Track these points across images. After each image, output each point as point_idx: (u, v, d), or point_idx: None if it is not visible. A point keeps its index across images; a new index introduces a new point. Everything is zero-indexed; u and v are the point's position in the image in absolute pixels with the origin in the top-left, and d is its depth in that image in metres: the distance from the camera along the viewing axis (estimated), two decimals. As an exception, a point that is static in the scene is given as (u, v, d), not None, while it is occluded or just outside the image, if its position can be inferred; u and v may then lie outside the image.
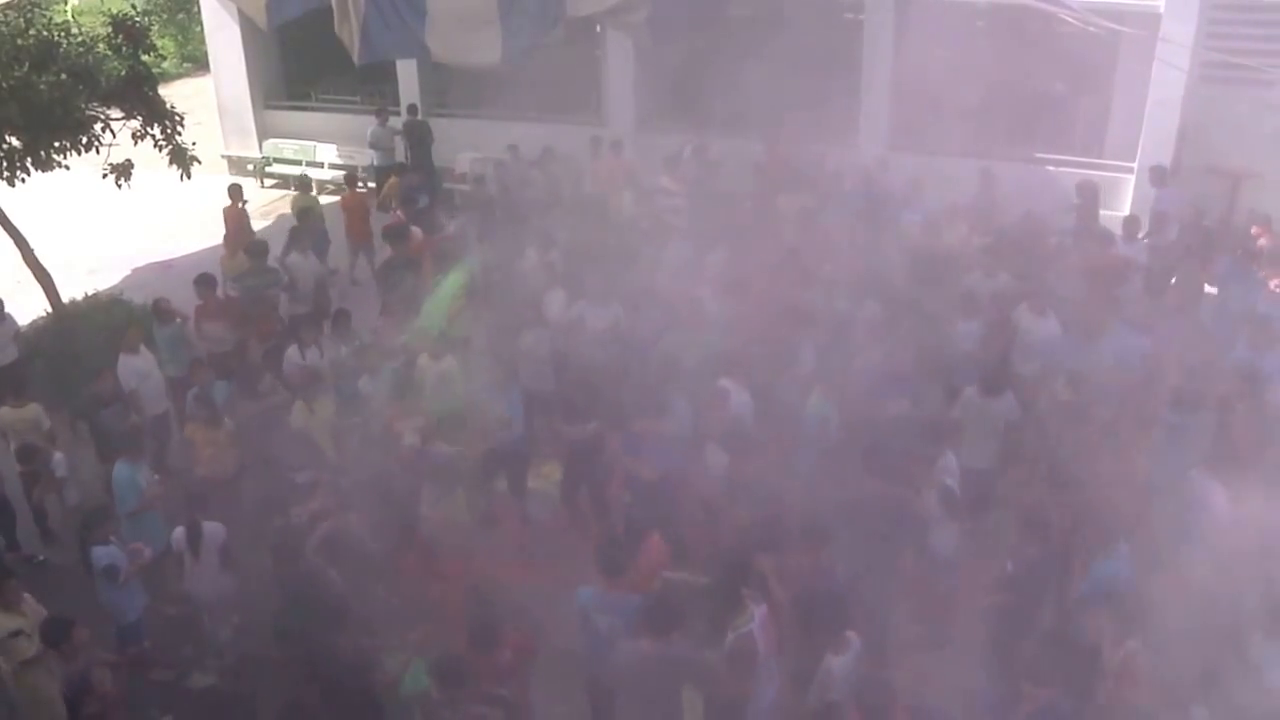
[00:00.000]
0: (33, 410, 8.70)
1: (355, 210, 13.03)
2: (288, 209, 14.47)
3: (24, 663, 6.26)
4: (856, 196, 11.82)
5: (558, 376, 9.13)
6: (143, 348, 9.25)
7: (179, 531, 7.16)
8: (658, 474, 7.42)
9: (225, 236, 12.35)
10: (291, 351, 9.11)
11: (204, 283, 10.07)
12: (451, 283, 10.01)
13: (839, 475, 7.22)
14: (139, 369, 9.04)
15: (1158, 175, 11.69)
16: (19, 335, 10.30)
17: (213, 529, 7.18)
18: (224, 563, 7.19)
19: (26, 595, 6.54)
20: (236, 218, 12.54)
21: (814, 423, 7.88)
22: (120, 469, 7.56)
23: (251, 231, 12.56)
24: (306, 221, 11.99)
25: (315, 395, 8.53)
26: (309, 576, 6.70)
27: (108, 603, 7.06)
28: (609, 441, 8.14)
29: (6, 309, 10.15)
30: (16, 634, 6.27)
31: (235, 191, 12.67)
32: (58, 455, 8.37)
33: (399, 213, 12.41)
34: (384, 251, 11.67)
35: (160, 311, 9.65)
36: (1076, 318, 8.94)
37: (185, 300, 10.17)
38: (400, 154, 15.09)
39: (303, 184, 13.49)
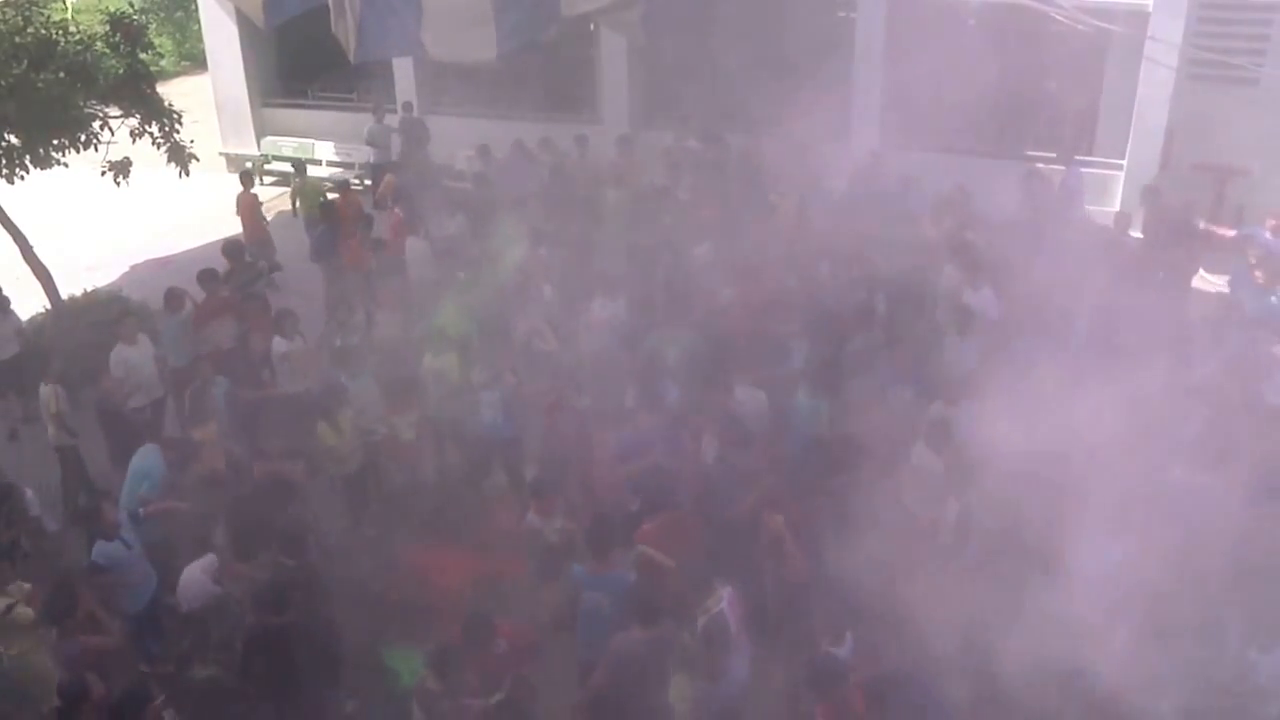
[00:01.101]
0: (46, 391, 8.78)
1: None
2: (286, 205, 14.57)
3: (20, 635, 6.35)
4: (849, 192, 11.95)
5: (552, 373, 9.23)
6: (141, 338, 9.33)
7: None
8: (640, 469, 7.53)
9: (242, 223, 12.56)
10: (277, 342, 9.21)
11: (207, 278, 10.11)
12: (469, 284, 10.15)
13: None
14: (132, 359, 9.11)
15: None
16: (21, 331, 10.40)
17: (206, 562, 7.05)
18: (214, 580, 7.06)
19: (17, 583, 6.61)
20: (250, 205, 12.75)
21: (805, 416, 7.99)
22: (146, 454, 7.65)
23: (263, 218, 12.68)
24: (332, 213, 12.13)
25: (335, 412, 8.35)
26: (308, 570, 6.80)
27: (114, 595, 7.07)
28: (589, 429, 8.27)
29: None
30: (10, 608, 6.34)
31: (247, 178, 12.84)
32: (29, 493, 8.30)
33: (397, 210, 12.51)
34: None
35: (170, 299, 9.71)
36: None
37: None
38: (396, 152, 15.17)
39: (299, 169, 13.74)
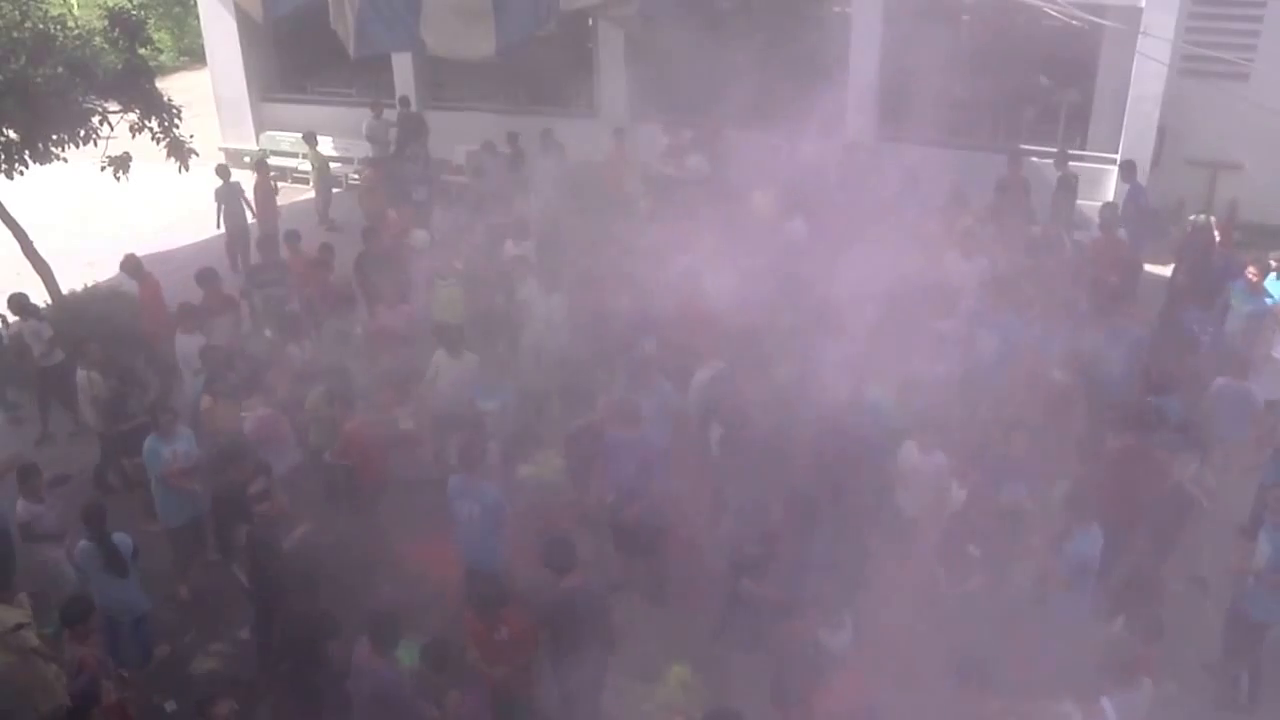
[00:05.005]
0: (83, 376, 8.74)
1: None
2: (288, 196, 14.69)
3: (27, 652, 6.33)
4: (847, 186, 12.01)
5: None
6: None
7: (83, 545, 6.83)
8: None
9: (256, 207, 13.03)
10: (292, 349, 9.20)
11: (206, 277, 10.02)
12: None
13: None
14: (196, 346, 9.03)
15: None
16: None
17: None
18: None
19: (21, 595, 6.69)
20: (265, 189, 13.13)
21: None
22: (149, 442, 7.75)
23: (276, 206, 13.02)
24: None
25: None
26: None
27: (115, 600, 6.90)
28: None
29: (3, 302, 10.10)
30: (20, 627, 6.32)
31: (261, 165, 13.38)
32: None
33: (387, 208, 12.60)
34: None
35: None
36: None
37: (182, 293, 10.21)
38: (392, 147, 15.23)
39: (310, 140, 14.38)
